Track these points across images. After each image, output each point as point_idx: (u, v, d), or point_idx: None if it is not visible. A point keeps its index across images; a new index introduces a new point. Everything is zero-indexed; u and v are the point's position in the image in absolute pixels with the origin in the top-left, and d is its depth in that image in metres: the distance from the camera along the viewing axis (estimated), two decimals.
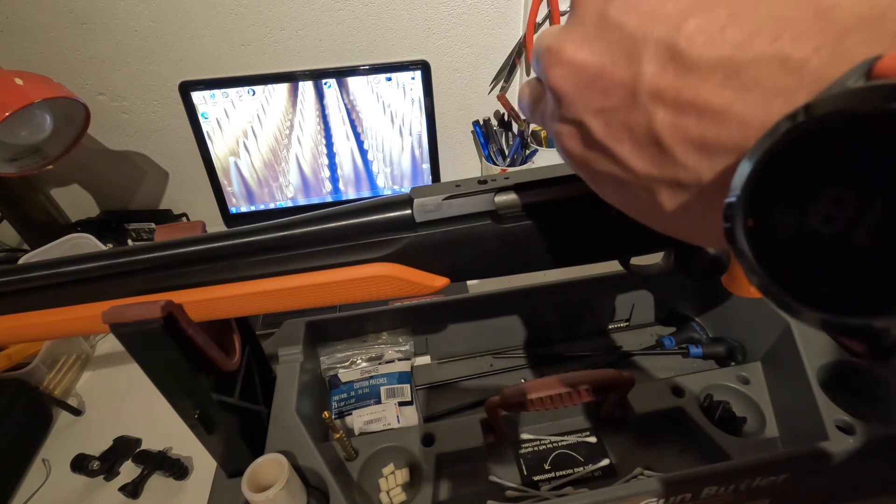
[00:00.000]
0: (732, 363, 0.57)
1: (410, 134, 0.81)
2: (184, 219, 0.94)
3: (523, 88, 0.22)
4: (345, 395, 0.55)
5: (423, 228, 0.30)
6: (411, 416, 0.53)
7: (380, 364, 0.58)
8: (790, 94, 0.12)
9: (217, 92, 0.73)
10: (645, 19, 0.14)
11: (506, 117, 0.91)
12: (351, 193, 0.84)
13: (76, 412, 0.60)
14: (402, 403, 0.54)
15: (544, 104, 0.20)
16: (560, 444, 0.51)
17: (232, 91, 0.73)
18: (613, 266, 0.34)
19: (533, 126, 0.91)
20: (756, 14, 0.12)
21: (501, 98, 0.88)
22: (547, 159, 0.86)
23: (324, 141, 0.79)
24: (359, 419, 0.52)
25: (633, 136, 0.15)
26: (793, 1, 0.12)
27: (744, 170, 0.12)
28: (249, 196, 0.82)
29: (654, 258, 0.33)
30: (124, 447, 0.55)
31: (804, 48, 0.11)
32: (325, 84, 0.75)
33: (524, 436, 0.52)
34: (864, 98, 0.10)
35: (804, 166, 0.11)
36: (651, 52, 0.14)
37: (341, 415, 0.54)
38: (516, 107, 0.89)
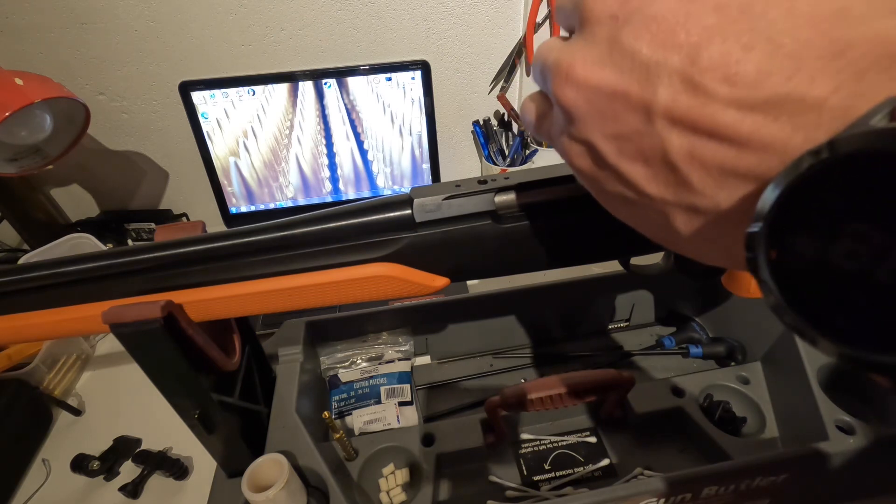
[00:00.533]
0: (732, 363, 0.57)
1: (410, 134, 0.81)
2: (184, 219, 0.94)
3: (526, 103, 0.21)
4: (345, 395, 0.55)
5: (423, 228, 0.30)
6: (411, 416, 0.53)
7: (380, 364, 0.58)
8: (810, 129, 0.12)
9: (217, 92, 0.73)
10: (657, 48, 0.14)
11: (506, 117, 0.91)
12: (351, 193, 0.84)
13: (76, 412, 0.60)
14: (402, 403, 0.54)
15: (551, 120, 0.19)
16: (560, 444, 0.51)
17: (232, 91, 0.73)
18: (613, 266, 0.34)
19: None
20: (768, 50, 0.12)
21: (501, 98, 0.88)
22: (547, 159, 0.86)
23: (324, 141, 0.79)
24: (359, 419, 0.52)
25: (647, 161, 0.15)
26: (805, 38, 0.12)
27: (767, 200, 0.12)
28: (249, 196, 0.82)
29: (654, 258, 0.33)
30: (124, 447, 0.55)
31: (821, 88, 0.11)
32: (325, 84, 0.75)
33: (524, 436, 0.52)
34: (890, 138, 0.10)
35: (827, 201, 0.11)
36: (665, 80, 0.14)
37: (341, 415, 0.54)
38: (516, 107, 0.89)
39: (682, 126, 0.14)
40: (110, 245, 0.86)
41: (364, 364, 0.58)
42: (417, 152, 0.82)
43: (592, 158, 0.17)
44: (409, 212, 0.29)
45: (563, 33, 0.19)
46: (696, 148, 0.14)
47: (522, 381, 0.59)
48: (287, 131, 0.77)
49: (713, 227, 0.15)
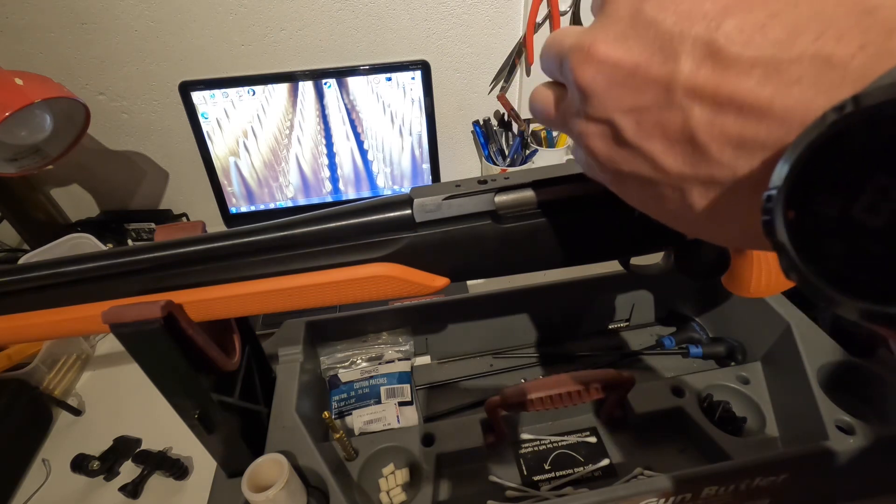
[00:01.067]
0: (732, 363, 0.57)
1: (410, 134, 0.81)
2: (184, 219, 0.94)
3: (538, 91, 0.21)
4: (345, 395, 0.55)
5: (423, 228, 0.30)
6: (411, 416, 0.53)
7: (380, 364, 0.58)
8: (833, 90, 0.12)
9: (217, 92, 0.73)
10: (682, 18, 0.14)
11: (506, 117, 0.91)
12: (351, 193, 0.84)
13: (76, 412, 0.60)
14: (402, 403, 0.54)
15: (566, 104, 0.19)
16: (560, 444, 0.51)
17: (232, 91, 0.73)
18: (613, 266, 0.34)
19: (533, 126, 0.91)
20: (796, 13, 0.12)
21: (501, 98, 0.88)
22: (547, 159, 0.86)
23: (324, 141, 0.79)
24: (359, 419, 0.52)
25: (667, 134, 0.15)
26: (834, 0, 0.12)
27: (786, 162, 0.12)
28: (249, 196, 0.82)
29: (654, 258, 0.33)
30: (124, 447, 0.55)
31: (848, 47, 0.12)
32: (325, 84, 0.75)
33: (524, 436, 0.52)
34: None
35: (849, 157, 0.11)
36: (688, 49, 0.14)
37: (341, 415, 0.54)
38: (517, 107, 0.89)
39: (703, 97, 0.14)
40: (110, 245, 0.86)
41: (364, 364, 0.58)
42: (417, 152, 0.82)
43: (610, 137, 0.17)
44: (409, 212, 0.29)
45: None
46: (717, 119, 0.14)
47: (522, 381, 0.58)
48: (287, 131, 0.77)
49: (730, 199, 0.15)
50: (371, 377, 0.56)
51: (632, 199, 0.19)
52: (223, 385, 0.40)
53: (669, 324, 0.65)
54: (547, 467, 0.49)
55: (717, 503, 0.41)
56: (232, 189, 0.81)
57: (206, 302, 0.32)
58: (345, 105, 0.77)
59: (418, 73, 0.76)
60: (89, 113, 0.70)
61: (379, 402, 0.54)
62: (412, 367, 0.59)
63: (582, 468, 0.48)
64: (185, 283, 0.32)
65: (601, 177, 0.20)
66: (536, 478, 0.48)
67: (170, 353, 0.33)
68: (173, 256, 0.31)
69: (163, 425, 0.55)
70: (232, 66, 0.79)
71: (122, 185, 0.91)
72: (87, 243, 0.72)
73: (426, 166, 0.84)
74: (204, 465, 0.54)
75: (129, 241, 0.91)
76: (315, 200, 0.84)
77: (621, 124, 0.16)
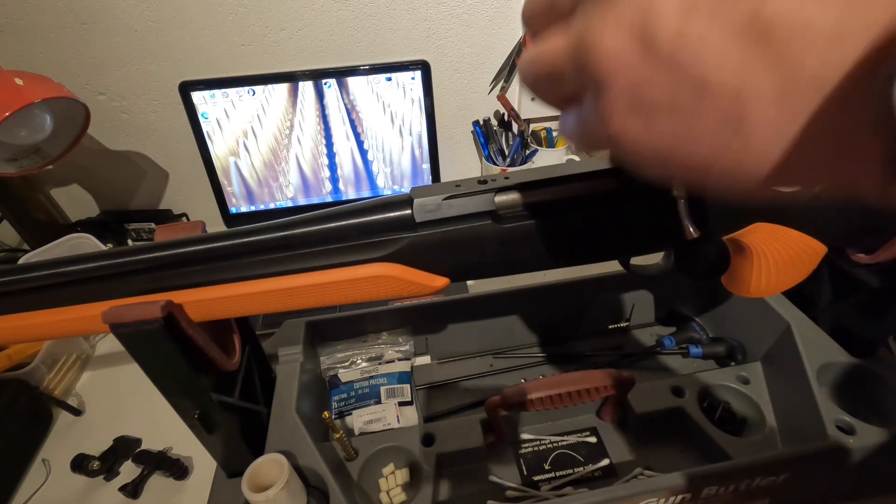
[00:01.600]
0: (732, 363, 0.56)
1: (410, 134, 0.81)
2: (184, 219, 0.94)
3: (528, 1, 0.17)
4: (345, 395, 0.55)
5: (423, 228, 0.30)
6: (411, 416, 0.53)
7: (380, 364, 0.58)
8: None
9: (217, 92, 0.73)
10: None
11: (506, 117, 0.91)
12: (351, 193, 0.84)
13: (76, 412, 0.60)
14: (402, 403, 0.54)
15: (567, 19, 0.15)
16: (560, 444, 0.51)
17: (232, 91, 0.73)
18: (613, 266, 0.34)
19: (533, 126, 0.91)
20: None
21: (501, 98, 0.88)
22: (547, 159, 0.86)
23: (324, 141, 0.79)
24: (359, 419, 0.52)
25: (725, 31, 0.11)
26: None
27: None
28: (249, 196, 0.82)
29: (654, 258, 0.33)
30: (124, 447, 0.55)
31: None
32: (325, 84, 0.75)
33: (524, 436, 0.52)
34: None
35: None
36: None
37: (341, 415, 0.54)
38: (516, 107, 0.89)
39: None
40: (110, 245, 0.86)
41: (364, 364, 0.58)
42: (417, 152, 0.82)
43: (638, 46, 0.13)
44: (409, 212, 0.29)
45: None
46: (805, 4, 0.10)
47: (522, 381, 0.58)
48: (287, 131, 0.77)
49: (810, 111, 0.11)
50: (371, 377, 0.56)
51: (653, 145, 0.14)
52: (223, 385, 0.40)
53: (669, 324, 0.65)
54: (547, 467, 0.49)
55: (717, 503, 0.41)
56: (232, 189, 0.81)
57: (206, 302, 0.32)
58: (345, 105, 0.77)
59: (418, 73, 0.76)
60: (89, 113, 0.70)
61: (379, 402, 0.54)
62: (412, 367, 0.59)
63: (582, 468, 0.48)
64: (185, 283, 0.32)
65: (606, 131, 0.15)
66: (536, 478, 0.48)
67: (170, 353, 0.33)
68: (173, 256, 0.31)
69: (163, 425, 0.55)
70: (232, 66, 0.79)
71: (122, 185, 0.91)
72: (87, 243, 0.72)
73: (426, 166, 0.84)
74: (204, 465, 0.54)
75: (129, 241, 0.91)
76: (315, 200, 0.84)
77: (659, 21, 0.12)
